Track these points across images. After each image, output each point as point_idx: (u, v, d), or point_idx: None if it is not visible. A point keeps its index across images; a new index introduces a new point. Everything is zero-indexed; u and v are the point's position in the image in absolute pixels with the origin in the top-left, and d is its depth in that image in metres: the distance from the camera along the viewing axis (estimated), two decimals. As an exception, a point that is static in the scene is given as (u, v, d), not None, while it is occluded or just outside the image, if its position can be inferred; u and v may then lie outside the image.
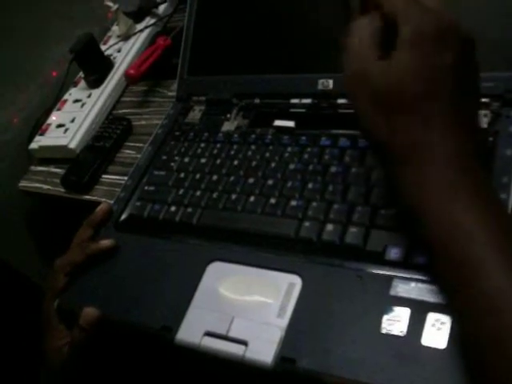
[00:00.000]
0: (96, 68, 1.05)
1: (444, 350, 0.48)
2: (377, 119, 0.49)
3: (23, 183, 1.02)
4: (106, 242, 0.70)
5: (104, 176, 0.93)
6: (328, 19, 0.76)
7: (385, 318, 0.52)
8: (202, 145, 0.77)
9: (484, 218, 0.45)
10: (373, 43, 0.50)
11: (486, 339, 0.43)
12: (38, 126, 1.05)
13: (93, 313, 0.64)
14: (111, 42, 1.13)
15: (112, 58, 1.08)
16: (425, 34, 0.47)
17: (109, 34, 1.16)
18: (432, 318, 0.50)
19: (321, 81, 0.74)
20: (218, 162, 0.74)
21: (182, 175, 0.74)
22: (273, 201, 0.65)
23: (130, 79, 1.00)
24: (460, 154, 0.47)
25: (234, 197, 0.68)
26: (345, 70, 0.51)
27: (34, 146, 1.01)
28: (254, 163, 0.71)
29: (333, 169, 0.66)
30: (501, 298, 0.42)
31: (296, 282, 0.58)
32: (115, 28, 1.15)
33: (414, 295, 0.53)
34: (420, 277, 0.53)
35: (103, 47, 1.10)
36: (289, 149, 0.70)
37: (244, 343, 0.56)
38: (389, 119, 0.48)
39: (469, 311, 0.45)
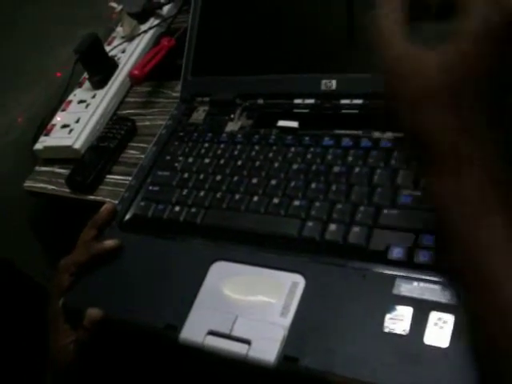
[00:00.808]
0: (100, 69, 1.05)
1: (446, 348, 0.49)
2: (428, 117, 0.43)
3: (28, 183, 1.02)
4: (110, 242, 0.70)
5: (108, 176, 0.93)
6: (331, 19, 0.76)
7: (387, 317, 0.52)
8: (206, 145, 0.78)
9: None
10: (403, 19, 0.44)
11: None
12: (42, 126, 1.05)
13: (96, 313, 0.65)
14: (115, 42, 1.13)
15: (116, 58, 1.08)
16: (493, 30, 0.41)
17: (113, 34, 1.16)
18: (434, 316, 0.51)
19: (324, 81, 0.75)
20: (222, 162, 0.74)
21: (186, 175, 0.75)
22: (276, 201, 0.66)
23: (134, 80, 1.00)
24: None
25: (237, 197, 0.69)
26: (381, 61, 0.45)
27: (38, 146, 1.02)
28: (257, 163, 0.71)
29: (336, 169, 0.66)
30: None
31: (299, 281, 0.58)
32: (119, 29, 1.15)
33: (416, 294, 0.53)
34: (422, 276, 0.54)
35: (107, 48, 1.10)
36: (292, 149, 0.71)
37: (247, 342, 0.56)
38: (442, 118, 0.42)
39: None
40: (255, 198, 0.67)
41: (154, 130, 0.93)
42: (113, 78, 1.05)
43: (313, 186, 0.65)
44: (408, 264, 0.55)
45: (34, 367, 0.77)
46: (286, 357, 0.54)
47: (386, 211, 0.59)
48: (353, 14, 0.75)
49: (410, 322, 0.51)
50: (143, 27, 1.12)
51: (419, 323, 0.51)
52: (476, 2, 0.41)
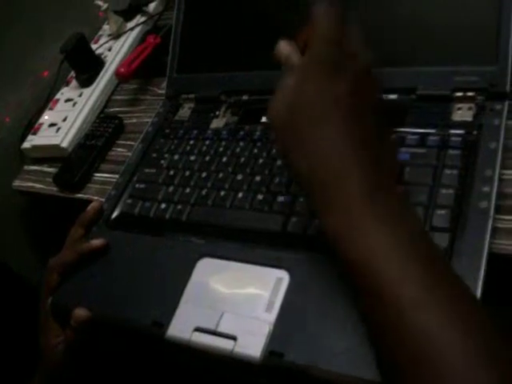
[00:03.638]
0: (87, 67, 1.05)
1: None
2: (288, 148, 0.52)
3: (16, 183, 1.02)
4: (96, 242, 0.70)
5: (96, 174, 0.93)
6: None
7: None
8: (192, 142, 0.78)
9: (396, 238, 0.47)
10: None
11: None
12: (30, 125, 1.06)
13: (83, 314, 0.65)
14: (102, 40, 1.13)
15: (103, 56, 1.08)
16: (323, 64, 0.51)
17: (100, 32, 1.16)
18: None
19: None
20: (207, 158, 0.74)
21: (172, 172, 0.75)
22: (260, 197, 0.66)
23: (120, 78, 1.00)
24: (367, 176, 0.48)
25: (222, 193, 0.69)
26: None
27: (26, 145, 1.02)
28: (242, 160, 0.71)
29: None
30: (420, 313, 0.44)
31: (283, 276, 0.59)
32: (106, 27, 1.15)
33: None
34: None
35: (94, 46, 1.10)
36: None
37: (233, 338, 0.56)
38: (295, 148, 0.51)
39: (389, 331, 0.46)
40: (240, 195, 0.67)
41: (141, 127, 0.93)
42: (99, 76, 1.05)
43: (297, 181, 0.66)
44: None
45: (26, 367, 0.77)
46: (271, 352, 0.54)
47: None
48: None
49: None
50: (129, 25, 1.12)
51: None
52: (315, 46, 0.52)
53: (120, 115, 1.00)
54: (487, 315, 0.45)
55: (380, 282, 0.45)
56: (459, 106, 0.66)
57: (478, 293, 0.50)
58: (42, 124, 1.03)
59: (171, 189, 0.73)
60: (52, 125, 1.01)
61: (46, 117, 1.04)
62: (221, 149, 0.74)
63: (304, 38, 0.55)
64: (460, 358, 0.42)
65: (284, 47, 0.56)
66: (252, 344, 0.55)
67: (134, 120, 0.99)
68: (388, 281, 0.45)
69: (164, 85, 0.90)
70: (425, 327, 0.43)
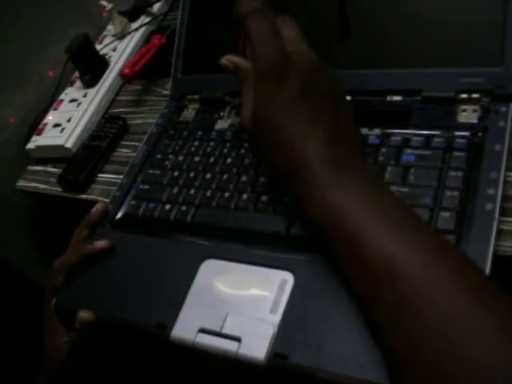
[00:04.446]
0: (91, 67, 1.05)
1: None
2: (259, 147, 0.59)
3: (21, 183, 1.02)
4: (101, 243, 0.70)
5: (100, 175, 0.93)
6: (321, 15, 0.76)
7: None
8: (196, 143, 0.78)
9: (365, 198, 0.52)
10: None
11: (382, 309, 0.48)
12: (34, 125, 1.06)
13: (87, 316, 0.65)
14: (106, 41, 1.13)
15: (107, 57, 1.08)
16: (266, 70, 0.55)
17: (104, 33, 1.16)
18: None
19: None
20: (212, 160, 0.74)
21: (176, 173, 0.75)
22: (265, 198, 0.66)
23: (124, 78, 1.00)
24: (328, 153, 0.54)
25: (227, 195, 0.69)
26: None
27: (30, 145, 1.02)
28: (246, 161, 0.71)
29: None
30: (392, 267, 0.47)
31: (288, 278, 0.59)
32: (110, 27, 1.15)
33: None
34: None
35: (98, 46, 1.10)
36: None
37: (237, 339, 0.56)
38: (266, 146, 0.57)
39: (364, 281, 0.50)
40: (244, 196, 0.67)
41: (145, 128, 0.93)
42: (104, 76, 1.05)
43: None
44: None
45: (28, 366, 0.77)
46: (275, 354, 0.54)
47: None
48: (346, 10, 0.75)
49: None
50: (134, 25, 1.12)
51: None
52: (257, 55, 0.56)
53: (124, 116, 1.00)
54: (453, 247, 0.52)
55: (352, 225, 0.50)
56: (464, 107, 0.65)
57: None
58: (46, 124, 1.03)
59: (176, 190, 0.73)
60: (56, 125, 1.01)
61: (51, 117, 1.04)
62: (225, 150, 0.74)
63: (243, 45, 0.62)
64: (418, 272, 0.46)
65: (228, 59, 0.62)
66: (256, 346, 0.55)
67: (139, 121, 0.99)
68: (360, 224, 0.50)
69: (168, 85, 0.90)
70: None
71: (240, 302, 0.59)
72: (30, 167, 1.04)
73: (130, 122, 0.99)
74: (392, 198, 0.54)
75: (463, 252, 0.52)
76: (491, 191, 0.56)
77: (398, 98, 0.70)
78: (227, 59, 0.62)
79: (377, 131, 0.67)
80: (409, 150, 0.63)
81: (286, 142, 0.55)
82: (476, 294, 0.45)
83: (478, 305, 0.44)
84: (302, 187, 0.54)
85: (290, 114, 0.55)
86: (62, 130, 0.99)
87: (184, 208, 0.71)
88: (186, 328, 0.59)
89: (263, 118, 0.56)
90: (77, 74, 1.08)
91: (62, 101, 1.06)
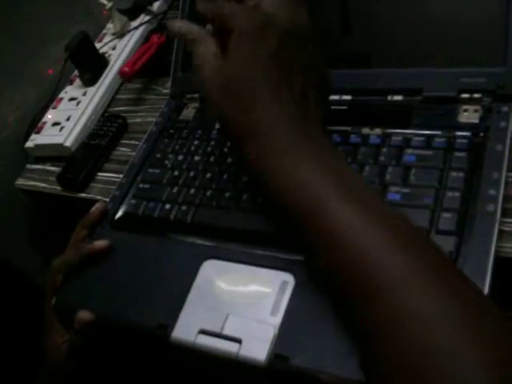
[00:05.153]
0: (91, 66, 1.05)
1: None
2: (225, 106, 0.56)
3: (20, 181, 1.02)
4: (100, 243, 0.70)
5: (100, 174, 0.93)
6: (324, 14, 0.76)
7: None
8: (196, 142, 0.77)
9: (321, 168, 0.52)
10: (213, 52, 0.58)
11: (336, 273, 0.49)
12: (33, 124, 1.05)
13: (87, 316, 0.65)
14: (106, 39, 1.13)
15: (107, 55, 1.08)
16: (246, 31, 0.55)
17: (104, 31, 1.16)
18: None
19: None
20: (212, 159, 0.74)
21: (176, 173, 0.75)
22: (265, 198, 0.66)
23: (124, 77, 1.00)
24: (294, 123, 0.54)
25: (227, 195, 0.68)
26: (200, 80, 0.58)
27: (29, 144, 1.02)
28: (247, 161, 0.71)
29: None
30: (343, 235, 0.48)
31: (289, 279, 0.58)
32: (110, 26, 1.15)
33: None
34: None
35: (98, 45, 1.10)
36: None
37: (238, 341, 0.56)
38: (233, 104, 0.56)
39: (322, 247, 0.50)
40: (245, 196, 0.67)
41: (145, 126, 0.93)
42: (103, 75, 1.05)
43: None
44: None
45: (28, 365, 0.77)
46: (276, 355, 0.54)
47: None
48: (347, 9, 0.75)
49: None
50: (134, 24, 1.12)
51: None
52: (235, 16, 0.56)
53: (124, 114, 1.00)
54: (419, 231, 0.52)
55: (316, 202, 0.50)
56: (465, 107, 0.65)
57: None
58: (45, 123, 1.03)
59: (176, 189, 0.73)
60: (55, 124, 1.01)
61: (50, 116, 1.03)
62: (225, 150, 0.74)
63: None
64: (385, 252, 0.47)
65: (178, 24, 0.63)
66: (257, 347, 0.55)
67: (138, 119, 0.99)
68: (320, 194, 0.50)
69: (168, 84, 0.89)
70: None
71: (240, 303, 0.59)
72: (29, 166, 1.03)
73: (129, 121, 0.99)
74: (352, 173, 0.56)
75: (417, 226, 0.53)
76: (493, 192, 0.56)
77: (399, 97, 0.70)
78: (178, 26, 0.63)
79: (378, 131, 0.66)
80: (410, 150, 0.63)
81: (258, 101, 0.54)
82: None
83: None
84: (262, 149, 0.54)
85: (262, 73, 0.55)
86: (62, 128, 0.99)
87: (184, 208, 0.70)
88: (187, 329, 0.59)
89: (233, 77, 0.55)
90: (76, 72, 1.08)
91: (61, 99, 1.06)
